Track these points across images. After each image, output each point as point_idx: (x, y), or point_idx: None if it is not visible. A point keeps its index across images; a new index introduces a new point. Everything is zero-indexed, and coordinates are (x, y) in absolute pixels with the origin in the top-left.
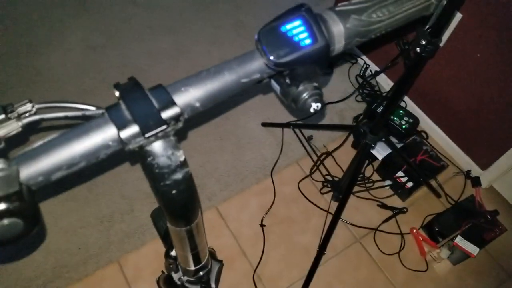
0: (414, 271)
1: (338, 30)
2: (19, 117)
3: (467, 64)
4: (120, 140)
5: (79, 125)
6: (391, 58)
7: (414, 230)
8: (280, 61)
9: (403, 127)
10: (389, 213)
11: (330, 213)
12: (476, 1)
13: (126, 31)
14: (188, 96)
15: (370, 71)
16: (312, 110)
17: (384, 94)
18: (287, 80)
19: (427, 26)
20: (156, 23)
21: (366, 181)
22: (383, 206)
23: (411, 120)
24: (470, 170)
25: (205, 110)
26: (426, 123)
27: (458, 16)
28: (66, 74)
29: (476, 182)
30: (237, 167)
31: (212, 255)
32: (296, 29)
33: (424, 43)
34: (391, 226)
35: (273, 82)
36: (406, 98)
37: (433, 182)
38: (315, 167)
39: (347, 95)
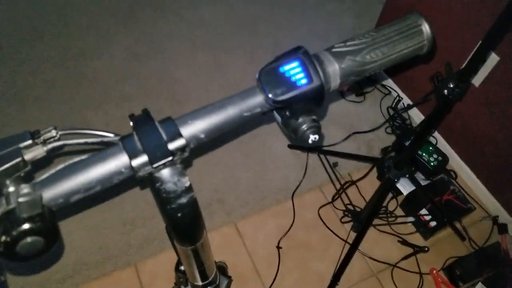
0: None
1: (334, 70)
2: (45, 142)
3: (503, 106)
4: (131, 168)
5: (96, 152)
6: (424, 92)
7: (434, 271)
8: (277, 99)
9: (431, 164)
10: (410, 250)
11: (349, 243)
12: None
13: (169, 43)
14: (194, 128)
15: (403, 103)
16: (310, 142)
17: (412, 127)
18: (287, 113)
19: (460, 69)
20: (197, 38)
21: (388, 215)
22: (404, 242)
23: (440, 158)
24: (497, 216)
25: (209, 140)
26: (456, 162)
27: (495, 58)
28: (109, 79)
29: (503, 229)
30: (258, 186)
31: (223, 270)
32: (293, 69)
33: (452, 86)
34: (410, 264)
35: (275, 113)
36: (437, 135)
37: (458, 224)
38: (337, 195)
39: (377, 125)
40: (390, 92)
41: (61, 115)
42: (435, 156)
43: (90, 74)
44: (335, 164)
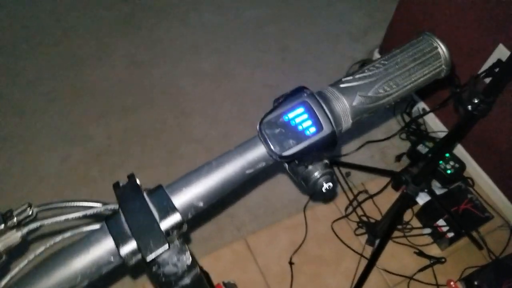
0: None
1: (344, 110)
2: (19, 224)
3: None
4: (120, 256)
5: (77, 241)
6: (441, 97)
7: (452, 283)
8: (285, 154)
9: (448, 171)
10: (426, 261)
11: (364, 257)
12: None
13: (172, 49)
14: (190, 196)
15: (418, 108)
16: (324, 190)
17: (427, 133)
18: (295, 161)
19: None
20: (201, 44)
21: (404, 226)
22: (421, 253)
23: (457, 165)
24: None
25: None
26: (474, 169)
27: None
28: (110, 89)
29: None
30: (269, 199)
31: None
32: (299, 117)
33: (476, 101)
34: (427, 275)
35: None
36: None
37: (475, 233)
38: (350, 207)
39: (391, 131)
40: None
41: (60, 129)
42: (452, 163)
43: (90, 85)
44: (348, 174)
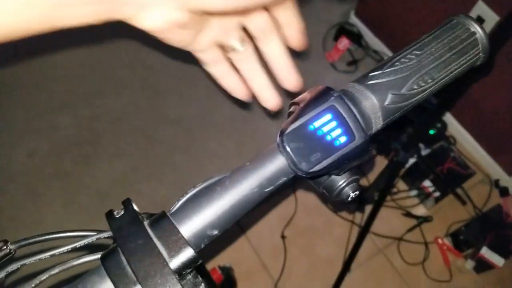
0: (437, 281)
1: (375, 112)
2: None
3: (503, 68)
4: None
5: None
6: None
7: (439, 240)
8: (313, 170)
9: (431, 132)
10: (414, 222)
11: (355, 224)
12: None
13: None
14: (202, 224)
15: None
16: (349, 200)
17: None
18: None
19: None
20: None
21: (391, 189)
22: (408, 214)
23: (439, 125)
24: (498, 180)
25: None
26: (455, 128)
27: (495, 18)
28: (72, 74)
29: (504, 192)
30: None
31: (230, 274)
32: (327, 125)
33: None
34: (415, 235)
35: None
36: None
37: (459, 190)
38: None
39: None
40: (383, 58)
41: (23, 122)
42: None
43: (50, 72)
44: None
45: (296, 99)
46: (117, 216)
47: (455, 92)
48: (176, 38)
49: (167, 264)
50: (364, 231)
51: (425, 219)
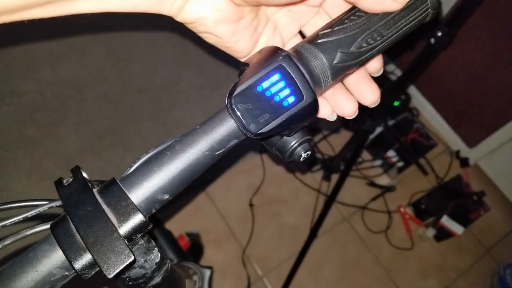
0: (399, 249)
1: (324, 70)
2: None
3: (463, 42)
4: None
5: (21, 259)
6: None
7: (401, 209)
8: (262, 131)
9: (395, 104)
10: (378, 191)
11: (321, 192)
12: None
13: None
14: (153, 189)
15: None
16: (301, 160)
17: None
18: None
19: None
20: None
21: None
22: (372, 184)
23: (403, 97)
24: (459, 151)
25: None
26: (418, 100)
27: None
28: (33, 36)
29: (465, 163)
30: None
31: (198, 240)
32: (275, 85)
33: (440, 34)
34: (379, 204)
35: None
36: (397, 72)
37: (422, 160)
38: None
39: None
40: None
41: None
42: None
43: (8, 34)
44: None
45: (246, 59)
46: (66, 184)
47: (419, 65)
48: (220, 33)
49: (116, 230)
50: (330, 199)
51: (389, 189)
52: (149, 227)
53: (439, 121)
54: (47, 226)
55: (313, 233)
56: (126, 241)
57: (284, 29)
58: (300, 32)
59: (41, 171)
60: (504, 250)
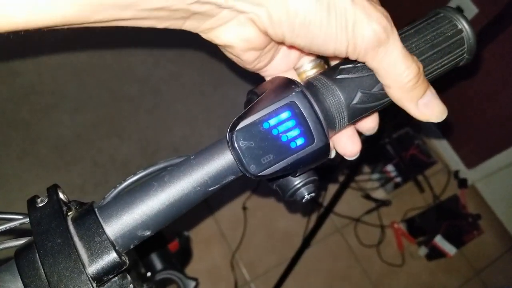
0: (390, 265)
1: (340, 110)
2: None
3: (472, 64)
4: None
5: None
6: None
7: (395, 224)
8: (263, 174)
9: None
10: (372, 204)
11: (316, 201)
12: None
13: None
14: (133, 224)
15: None
16: (303, 201)
17: None
18: None
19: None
20: None
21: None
22: (367, 197)
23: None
24: (458, 171)
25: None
26: None
27: (474, 10)
28: None
29: (463, 183)
30: None
31: (188, 245)
32: (283, 124)
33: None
34: (373, 218)
35: None
36: None
37: (421, 177)
38: None
39: None
40: None
41: None
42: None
43: None
44: None
45: (256, 88)
46: (39, 205)
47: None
48: (244, 59)
49: (84, 270)
50: (326, 211)
51: (384, 203)
52: (124, 268)
53: (440, 139)
54: (15, 244)
55: (306, 242)
56: (94, 284)
57: None
58: None
59: (33, 155)
60: (494, 274)
